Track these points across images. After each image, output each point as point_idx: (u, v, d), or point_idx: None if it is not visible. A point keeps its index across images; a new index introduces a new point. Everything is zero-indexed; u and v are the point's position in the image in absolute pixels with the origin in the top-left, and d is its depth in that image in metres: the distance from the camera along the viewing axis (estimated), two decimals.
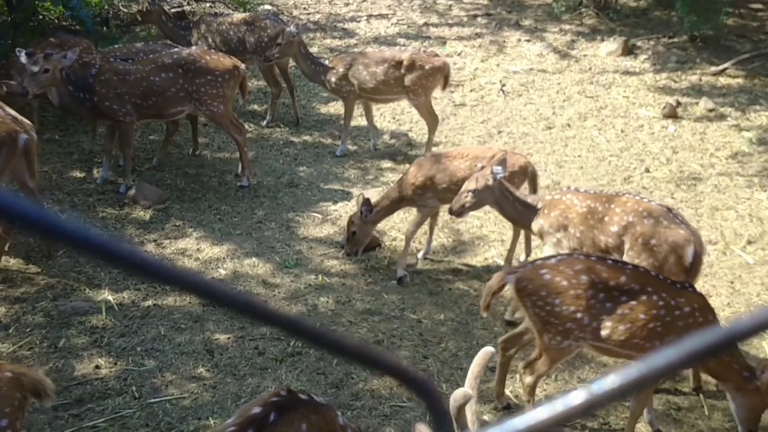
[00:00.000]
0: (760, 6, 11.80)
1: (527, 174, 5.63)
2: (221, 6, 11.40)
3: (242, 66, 6.69)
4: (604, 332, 3.79)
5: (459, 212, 5.01)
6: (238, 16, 8.39)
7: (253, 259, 5.87)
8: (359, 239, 5.67)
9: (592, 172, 7.40)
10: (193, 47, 6.89)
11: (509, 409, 4.54)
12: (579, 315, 3.78)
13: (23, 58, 5.96)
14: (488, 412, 4.53)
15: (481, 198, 4.93)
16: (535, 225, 4.94)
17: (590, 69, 9.82)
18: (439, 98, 8.85)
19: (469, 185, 4.93)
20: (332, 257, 6.02)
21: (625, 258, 4.52)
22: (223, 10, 10.80)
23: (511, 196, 4.94)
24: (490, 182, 4.85)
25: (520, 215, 5.01)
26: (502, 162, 4.87)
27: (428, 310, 5.44)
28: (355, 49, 9.19)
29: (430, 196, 5.64)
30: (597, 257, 3.99)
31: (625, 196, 4.84)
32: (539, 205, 4.93)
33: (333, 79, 7.35)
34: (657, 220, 4.55)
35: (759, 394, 3.78)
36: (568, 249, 4.82)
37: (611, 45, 10.27)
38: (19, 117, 5.41)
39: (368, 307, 5.42)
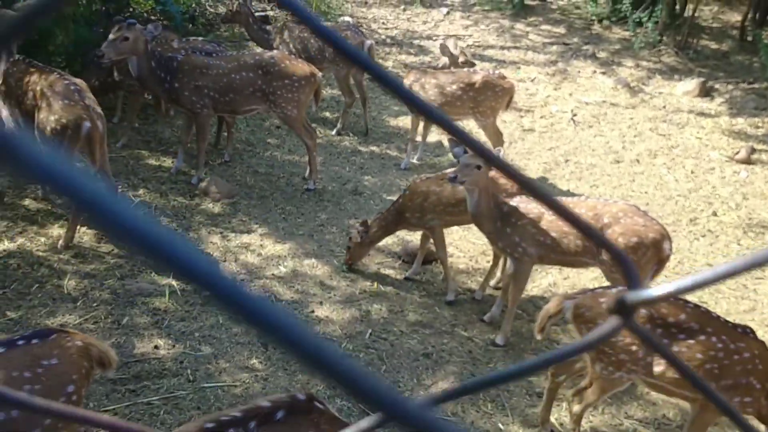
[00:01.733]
0: None
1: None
2: None
3: (319, 74, 6.87)
4: (657, 368, 3.77)
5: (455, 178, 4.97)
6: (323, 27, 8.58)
7: (313, 260, 6.00)
8: (354, 256, 5.85)
9: (657, 210, 7.31)
10: (275, 51, 7.10)
11: None
12: (634, 348, 3.77)
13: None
14: None
15: (478, 176, 4.94)
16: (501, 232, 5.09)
17: (664, 107, 9.71)
18: (508, 122, 8.90)
19: (471, 160, 4.94)
20: (389, 266, 6.11)
21: (602, 257, 4.84)
22: None
23: (495, 186, 5.16)
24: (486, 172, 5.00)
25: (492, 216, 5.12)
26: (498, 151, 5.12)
27: (479, 329, 5.46)
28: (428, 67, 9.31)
29: (430, 218, 5.64)
30: None
31: (589, 200, 5.10)
32: (505, 210, 5.11)
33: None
34: (632, 219, 4.81)
35: None
36: (535, 258, 5.07)
37: (688, 85, 10.14)
38: (93, 105, 5.62)
39: (420, 319, 5.48)
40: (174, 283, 5.53)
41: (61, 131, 5.44)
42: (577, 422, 4.15)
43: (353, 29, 8.25)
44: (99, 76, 7.41)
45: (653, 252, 4.81)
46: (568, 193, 7.37)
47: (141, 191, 6.65)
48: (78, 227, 5.80)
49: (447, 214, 5.61)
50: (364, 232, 5.68)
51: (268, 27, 8.81)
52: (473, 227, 5.97)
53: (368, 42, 8.03)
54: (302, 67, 6.78)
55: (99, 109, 5.68)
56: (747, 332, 3.79)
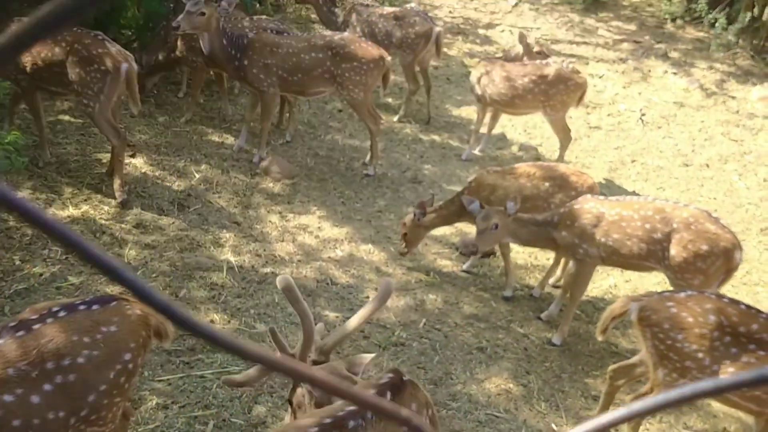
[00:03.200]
0: None
1: (594, 195, 5.39)
2: None
3: (388, 58, 6.80)
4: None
5: (476, 251, 5.20)
6: (389, 9, 8.53)
7: (369, 245, 5.96)
8: (410, 241, 5.69)
9: (727, 217, 7.04)
10: (345, 33, 7.07)
11: None
12: (700, 355, 3.62)
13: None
14: None
15: (498, 235, 5.03)
16: (558, 238, 4.98)
17: (738, 111, 9.36)
18: (574, 118, 8.70)
19: (485, 223, 4.96)
20: (446, 257, 6.04)
21: (668, 262, 4.70)
22: (373, 2, 11.01)
23: (526, 225, 5.03)
24: (504, 218, 4.99)
25: (539, 236, 5.06)
26: (515, 200, 5.00)
27: (536, 327, 5.36)
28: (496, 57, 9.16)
29: None
30: (730, 299, 3.81)
31: (657, 202, 4.93)
32: (556, 219, 4.99)
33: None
34: (703, 226, 4.64)
35: None
36: (597, 259, 4.94)
37: (764, 90, 9.75)
38: (122, 49, 5.80)
39: (475, 313, 5.40)
40: (232, 258, 5.56)
41: (102, 77, 5.58)
42: (634, 429, 4.02)
43: (422, 15, 8.14)
44: (164, 51, 7.50)
45: (723, 261, 4.63)
46: (634, 195, 7.16)
47: (203, 166, 6.71)
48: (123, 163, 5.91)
49: None
50: (420, 214, 5.57)
51: (337, 9, 8.77)
52: None
53: (437, 29, 7.93)
54: (372, 51, 6.73)
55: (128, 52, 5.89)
56: None
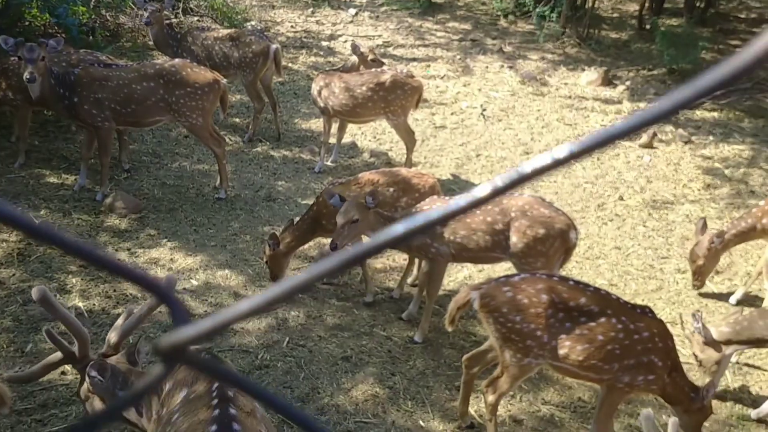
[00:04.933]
0: (737, 42, 12.07)
1: (436, 194, 5.61)
2: (209, 21, 11.46)
3: (223, 80, 6.74)
4: (562, 351, 3.86)
5: (335, 247, 5.08)
6: (224, 31, 8.46)
7: (226, 270, 5.88)
8: (274, 269, 5.69)
9: (566, 198, 7.51)
10: (176, 59, 6.93)
11: (473, 428, 4.58)
12: (539, 333, 3.85)
13: (10, 46, 6.02)
14: (452, 431, 4.56)
15: (359, 228, 5.03)
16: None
17: (570, 97, 9.98)
18: (420, 119, 8.98)
19: (346, 217, 4.99)
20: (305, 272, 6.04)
21: (511, 249, 4.92)
22: (210, 24, 10.88)
23: (386, 221, 5.08)
24: (364, 211, 5.00)
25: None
26: (373, 193, 5.04)
27: (398, 328, 5.48)
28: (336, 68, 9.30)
29: None
30: (559, 277, 4.07)
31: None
32: None
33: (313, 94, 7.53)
34: (538, 211, 4.91)
35: (703, 412, 3.96)
36: (448, 256, 5.10)
37: (591, 74, 10.45)
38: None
39: (338, 323, 5.45)
40: (80, 304, 5.33)
41: None
42: (493, 412, 4.20)
43: (257, 34, 8.13)
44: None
45: (560, 242, 4.93)
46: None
47: (42, 211, 6.38)
48: None
49: None
50: (275, 244, 5.57)
51: (174, 32, 8.58)
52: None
53: (274, 46, 7.95)
54: (205, 75, 6.65)
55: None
56: (646, 312, 3.92)
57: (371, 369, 5.00)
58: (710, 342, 4.57)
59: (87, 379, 3.16)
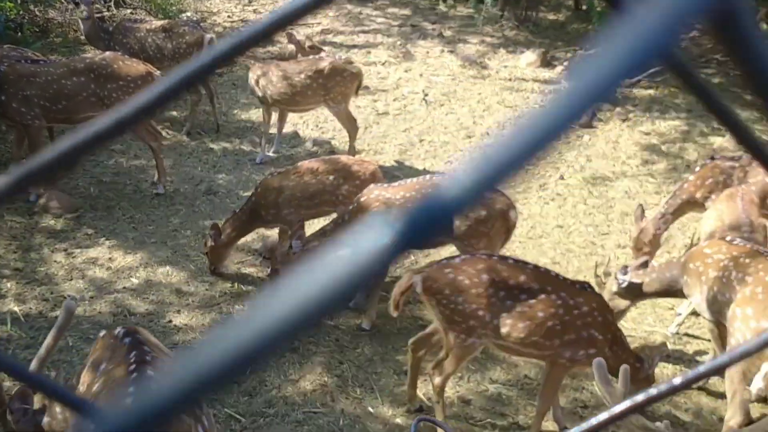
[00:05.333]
0: None
1: (377, 180, 5.61)
2: (143, 13, 11.19)
3: (156, 73, 6.58)
4: (504, 330, 3.89)
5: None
6: (157, 22, 8.27)
7: (167, 267, 5.77)
8: (215, 260, 5.65)
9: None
10: (107, 52, 6.74)
11: (422, 411, 4.59)
12: (480, 312, 3.87)
13: None
14: (401, 415, 4.57)
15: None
16: None
17: (510, 79, 10.05)
18: (362, 107, 8.93)
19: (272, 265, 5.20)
20: (250, 264, 5.98)
21: (454, 232, 4.93)
22: (144, 16, 10.62)
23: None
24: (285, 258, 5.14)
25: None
26: (300, 237, 5.15)
27: (346, 316, 5.45)
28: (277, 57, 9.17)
29: (287, 213, 5.57)
30: (499, 257, 4.10)
31: (435, 178, 5.15)
32: (346, 218, 5.17)
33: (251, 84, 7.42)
34: None
35: (648, 381, 4.00)
36: None
37: (530, 56, 10.54)
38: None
39: None
40: (16, 308, 5.17)
41: None
42: (440, 394, 4.22)
43: (191, 24, 7.97)
44: None
45: (501, 222, 4.98)
46: (425, 173, 7.47)
47: None
48: None
49: (303, 208, 5.55)
50: (216, 236, 5.49)
51: (106, 26, 8.35)
52: (331, 217, 5.96)
53: (209, 36, 7.80)
54: (137, 67, 6.48)
55: None
56: (585, 287, 3.98)
57: (319, 358, 4.97)
58: (627, 295, 4.63)
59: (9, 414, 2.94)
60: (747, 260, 4.03)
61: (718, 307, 4.16)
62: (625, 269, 4.62)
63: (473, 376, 4.92)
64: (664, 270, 4.60)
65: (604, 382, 3.12)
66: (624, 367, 3.24)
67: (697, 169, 5.81)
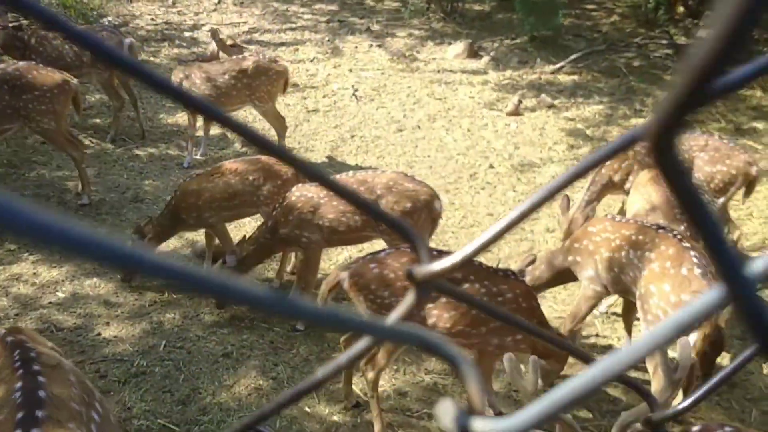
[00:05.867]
0: (593, 6, 12.63)
1: (299, 179, 5.49)
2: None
3: (74, 81, 6.41)
4: (431, 320, 3.93)
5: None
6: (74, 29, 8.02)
7: (95, 279, 5.63)
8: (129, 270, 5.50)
9: (440, 170, 7.64)
10: (20, 62, 6.52)
11: (359, 407, 4.60)
12: None
13: None
14: (338, 413, 4.58)
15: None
16: (284, 236, 5.20)
17: (438, 71, 10.14)
18: (292, 104, 8.89)
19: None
20: None
21: (382, 227, 4.99)
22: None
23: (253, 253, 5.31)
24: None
25: (273, 250, 5.40)
26: (234, 253, 5.22)
27: (280, 318, 5.42)
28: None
29: (208, 216, 5.51)
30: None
31: (361, 174, 5.24)
32: (272, 223, 5.15)
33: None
34: (402, 186, 5.02)
35: (566, 358, 4.13)
36: (321, 242, 5.17)
37: (457, 48, 10.66)
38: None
39: (217, 320, 5.34)
40: None
41: None
42: (374, 388, 4.24)
43: (109, 29, 7.78)
44: None
45: (427, 212, 5.04)
46: (356, 168, 7.48)
47: None
48: None
49: (224, 210, 5.50)
50: (140, 239, 5.40)
51: (21, 35, 8.07)
52: (255, 218, 5.92)
53: (127, 40, 7.62)
54: (53, 76, 6.30)
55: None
56: (509, 275, 4.05)
57: (253, 362, 4.93)
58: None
59: None
60: (640, 236, 4.18)
61: (622, 287, 4.31)
62: (522, 273, 4.74)
63: (409, 367, 4.96)
64: (550, 259, 4.74)
65: (514, 375, 3.20)
66: (533, 358, 3.33)
67: None
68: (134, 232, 5.46)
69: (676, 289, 3.93)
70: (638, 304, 4.12)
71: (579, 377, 0.43)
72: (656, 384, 4.01)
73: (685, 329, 0.41)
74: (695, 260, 3.96)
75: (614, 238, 4.29)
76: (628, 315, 4.98)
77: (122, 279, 5.55)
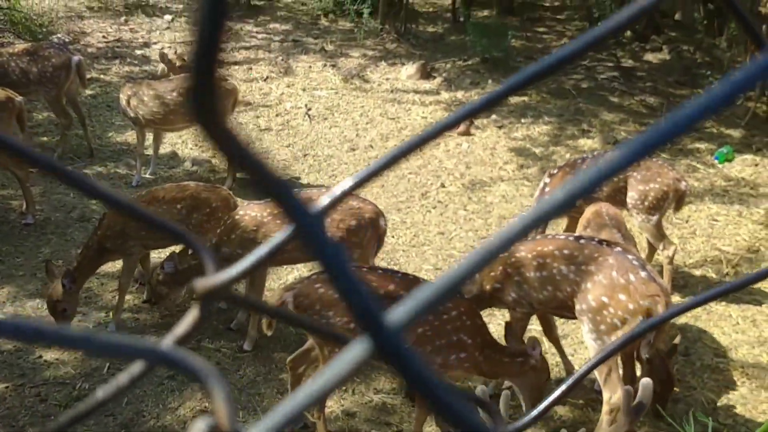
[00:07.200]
0: (544, 29, 12.90)
1: (230, 207, 5.43)
2: (10, 36, 10.66)
3: (18, 98, 6.30)
4: None
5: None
6: (20, 46, 7.91)
7: (37, 300, 5.51)
8: (68, 308, 5.00)
9: (392, 189, 7.69)
10: None
11: (307, 428, 4.57)
12: (352, 326, 3.90)
13: None
14: None
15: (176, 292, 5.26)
16: (225, 256, 5.07)
17: (391, 91, 10.23)
18: (244, 123, 8.86)
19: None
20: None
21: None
22: (11, 39, 10.14)
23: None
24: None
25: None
26: (173, 259, 5.13)
27: (227, 338, 5.37)
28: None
29: (132, 245, 5.26)
30: (369, 267, 4.16)
31: (304, 192, 5.19)
32: (215, 242, 5.06)
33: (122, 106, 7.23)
34: (347, 204, 4.96)
35: (536, 371, 4.07)
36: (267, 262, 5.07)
37: (411, 68, 10.77)
38: None
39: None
40: None
41: None
42: (320, 410, 4.22)
43: (57, 46, 7.67)
44: None
45: (372, 230, 5.06)
46: (309, 187, 7.48)
47: None
48: None
49: (150, 239, 5.27)
50: (71, 282, 4.94)
51: None
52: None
53: (76, 58, 7.53)
54: None
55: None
56: None
57: (199, 384, 4.86)
58: None
59: None
60: (568, 252, 4.21)
61: (557, 303, 4.31)
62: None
63: (357, 387, 4.95)
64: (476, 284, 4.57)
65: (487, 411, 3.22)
66: (504, 393, 3.37)
67: (555, 171, 6.02)
68: (63, 277, 4.90)
69: (630, 299, 3.95)
70: (586, 317, 4.12)
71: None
72: (607, 390, 4.03)
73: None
74: (635, 263, 4.04)
75: (538, 256, 4.31)
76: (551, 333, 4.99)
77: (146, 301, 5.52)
